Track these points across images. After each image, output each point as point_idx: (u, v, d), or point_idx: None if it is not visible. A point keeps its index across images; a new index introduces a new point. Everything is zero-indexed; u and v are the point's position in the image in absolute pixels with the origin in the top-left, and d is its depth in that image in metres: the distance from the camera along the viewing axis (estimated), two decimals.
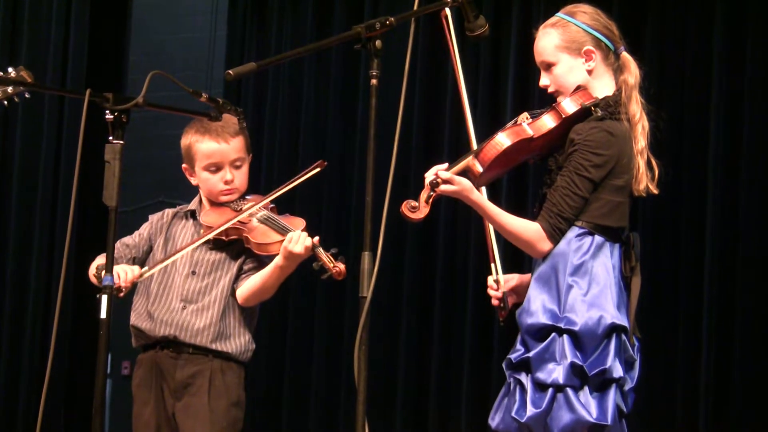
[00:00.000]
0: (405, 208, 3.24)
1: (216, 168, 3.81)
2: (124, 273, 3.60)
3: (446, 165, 3.28)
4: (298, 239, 3.60)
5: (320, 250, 3.59)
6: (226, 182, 3.81)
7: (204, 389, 3.72)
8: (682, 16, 5.71)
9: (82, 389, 6.55)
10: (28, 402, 6.71)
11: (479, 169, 3.30)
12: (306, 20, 6.64)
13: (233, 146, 3.80)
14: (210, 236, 3.74)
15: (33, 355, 6.75)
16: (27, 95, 3.25)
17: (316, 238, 3.62)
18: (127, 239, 3.90)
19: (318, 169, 3.81)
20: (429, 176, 3.25)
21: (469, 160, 3.32)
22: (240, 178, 3.84)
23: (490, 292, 3.48)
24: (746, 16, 5.56)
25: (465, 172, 3.30)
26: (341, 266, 3.57)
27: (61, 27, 6.97)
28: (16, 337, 6.79)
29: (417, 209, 3.25)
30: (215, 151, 3.80)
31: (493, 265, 3.48)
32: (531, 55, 3.47)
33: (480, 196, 3.28)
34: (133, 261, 3.83)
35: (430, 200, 3.25)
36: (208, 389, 3.72)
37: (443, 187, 3.24)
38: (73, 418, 6.72)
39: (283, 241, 3.64)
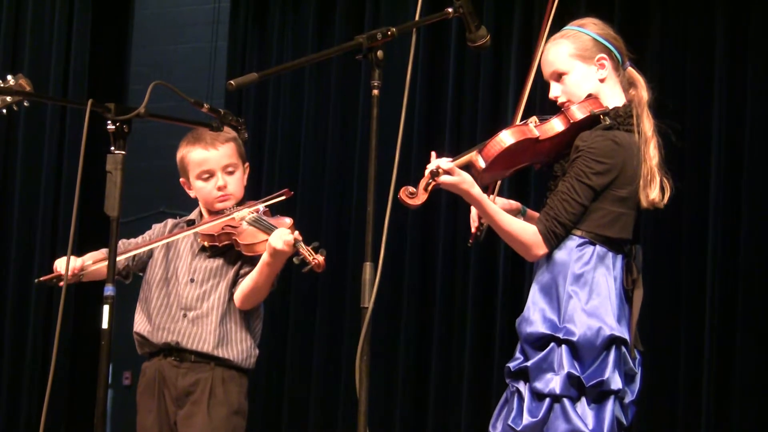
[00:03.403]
0: (403, 194, 3.22)
1: (208, 175, 3.87)
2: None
3: (450, 159, 3.29)
4: (280, 235, 3.64)
5: (301, 245, 3.63)
6: (219, 188, 3.86)
7: (204, 398, 3.76)
8: (683, 30, 5.71)
9: (84, 399, 6.55)
10: (30, 412, 6.71)
11: (482, 164, 3.29)
12: (307, 30, 6.65)
13: (223, 152, 3.85)
14: (197, 230, 3.83)
15: (35, 366, 6.75)
16: (26, 104, 3.26)
17: (296, 233, 3.65)
18: (131, 240, 3.98)
19: (283, 197, 3.86)
20: (431, 166, 3.25)
21: (472, 155, 3.31)
22: (233, 184, 3.88)
23: (474, 215, 3.48)
24: (748, 24, 5.56)
25: (468, 167, 3.30)
26: (320, 258, 3.59)
27: (63, 37, 6.98)
28: (18, 347, 6.79)
29: (415, 195, 3.25)
30: (205, 159, 3.86)
31: (492, 195, 3.48)
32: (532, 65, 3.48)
33: (480, 192, 3.27)
34: (133, 259, 3.92)
35: (429, 188, 3.24)
36: (208, 398, 3.75)
37: (443, 178, 3.23)
38: (74, 428, 6.72)
39: (266, 239, 3.69)
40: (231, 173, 3.87)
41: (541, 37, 3.44)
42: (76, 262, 3.74)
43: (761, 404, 5.32)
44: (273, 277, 3.75)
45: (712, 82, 5.57)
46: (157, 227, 4.01)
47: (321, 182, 6.47)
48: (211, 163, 3.85)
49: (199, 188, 3.89)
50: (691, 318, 5.48)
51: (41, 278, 3.84)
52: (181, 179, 3.96)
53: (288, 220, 3.77)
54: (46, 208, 6.87)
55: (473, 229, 3.50)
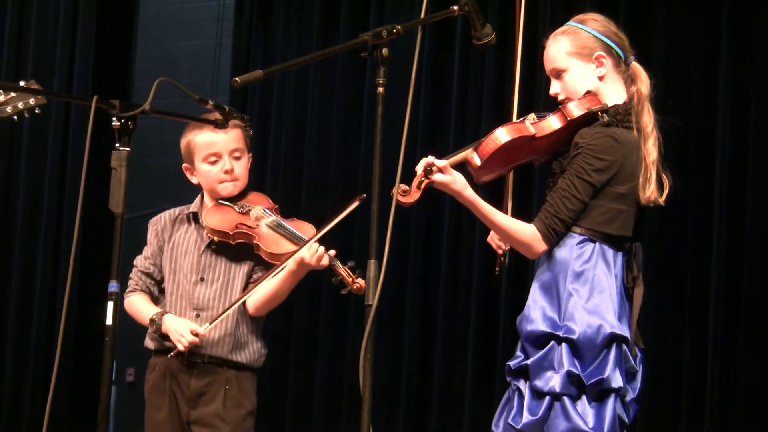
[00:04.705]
0: (397, 192, 3.22)
1: (215, 158, 3.84)
2: (181, 336, 3.68)
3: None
4: (315, 253, 3.60)
5: (338, 264, 3.59)
6: (227, 171, 3.83)
7: (219, 398, 3.75)
8: (688, 28, 5.71)
9: (87, 396, 6.54)
10: (33, 409, 6.71)
11: (477, 162, 3.28)
12: (312, 27, 6.64)
13: (231, 136, 3.83)
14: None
15: (38, 362, 6.75)
16: (37, 111, 3.27)
17: (333, 252, 3.62)
18: (145, 251, 3.92)
19: (357, 203, 3.67)
20: (424, 162, 3.24)
21: (468, 152, 3.31)
22: (239, 169, 3.86)
23: (494, 241, 3.48)
24: (753, 22, 5.55)
25: (463, 165, 3.30)
26: (361, 282, 3.53)
27: (67, 35, 6.98)
28: (22, 345, 6.79)
29: (408, 193, 3.24)
30: (214, 141, 3.83)
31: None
32: (536, 63, 3.47)
33: (472, 194, 3.26)
34: (153, 268, 3.88)
35: (422, 186, 3.23)
36: (223, 398, 3.75)
37: (436, 176, 3.22)
38: (78, 425, 6.72)
39: (294, 249, 3.64)
40: (238, 158, 3.85)
41: (517, 34, 3.45)
42: (190, 332, 3.69)
43: (765, 403, 5.31)
44: (295, 285, 3.73)
45: (717, 81, 5.56)
46: (157, 226, 3.94)
47: (325, 179, 6.47)
48: (219, 146, 3.83)
49: (204, 172, 3.85)
50: (694, 316, 5.48)
51: (178, 353, 3.71)
52: (184, 165, 3.92)
53: (310, 228, 3.73)
54: (50, 204, 6.87)
55: (498, 253, 3.49)
